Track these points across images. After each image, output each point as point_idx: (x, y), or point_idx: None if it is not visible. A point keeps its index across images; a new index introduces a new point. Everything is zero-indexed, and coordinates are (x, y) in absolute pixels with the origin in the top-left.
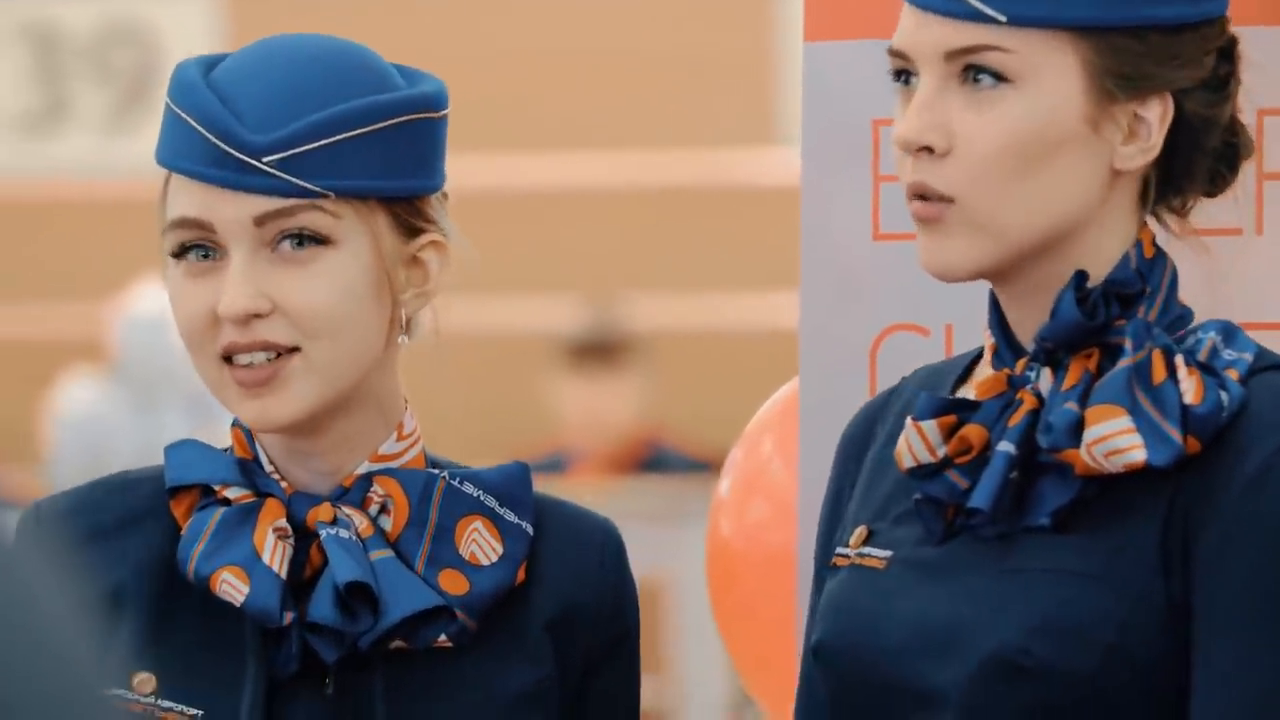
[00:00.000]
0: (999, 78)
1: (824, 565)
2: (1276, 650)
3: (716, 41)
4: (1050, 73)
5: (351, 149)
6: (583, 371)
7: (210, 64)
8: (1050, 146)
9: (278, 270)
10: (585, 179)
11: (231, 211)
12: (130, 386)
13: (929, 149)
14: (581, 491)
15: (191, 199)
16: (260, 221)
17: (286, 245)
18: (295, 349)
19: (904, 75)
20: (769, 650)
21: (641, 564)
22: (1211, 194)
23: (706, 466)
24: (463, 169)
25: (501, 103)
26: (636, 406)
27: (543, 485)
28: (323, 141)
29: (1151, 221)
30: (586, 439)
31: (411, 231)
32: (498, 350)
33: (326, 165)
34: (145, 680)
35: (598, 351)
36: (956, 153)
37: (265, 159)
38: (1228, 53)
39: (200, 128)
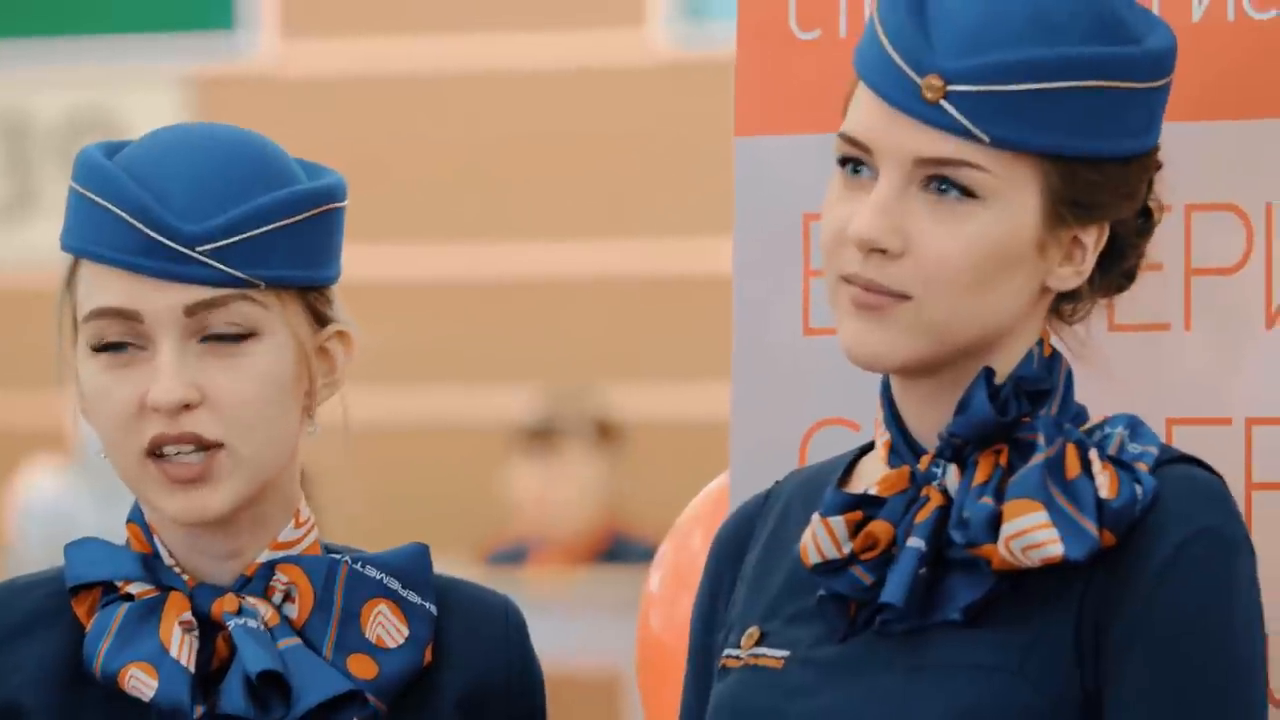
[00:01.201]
0: (966, 193)
1: (700, 668)
2: None
3: (677, 133)
4: (1014, 195)
5: (277, 239)
6: (540, 460)
7: (112, 150)
8: (1002, 264)
9: (206, 362)
10: (544, 269)
11: (161, 301)
12: (93, 476)
13: (882, 250)
14: (542, 582)
15: (115, 289)
16: (191, 311)
17: (214, 337)
18: (219, 445)
19: (852, 163)
20: None
21: (601, 654)
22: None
23: None
24: (423, 259)
25: (462, 193)
26: (596, 496)
27: (503, 575)
28: (254, 231)
29: (1054, 321)
30: (546, 529)
31: (321, 321)
32: (457, 440)
33: (256, 255)
34: None
35: (555, 440)
36: (912, 256)
37: (199, 248)
38: (1151, 182)
39: (127, 216)
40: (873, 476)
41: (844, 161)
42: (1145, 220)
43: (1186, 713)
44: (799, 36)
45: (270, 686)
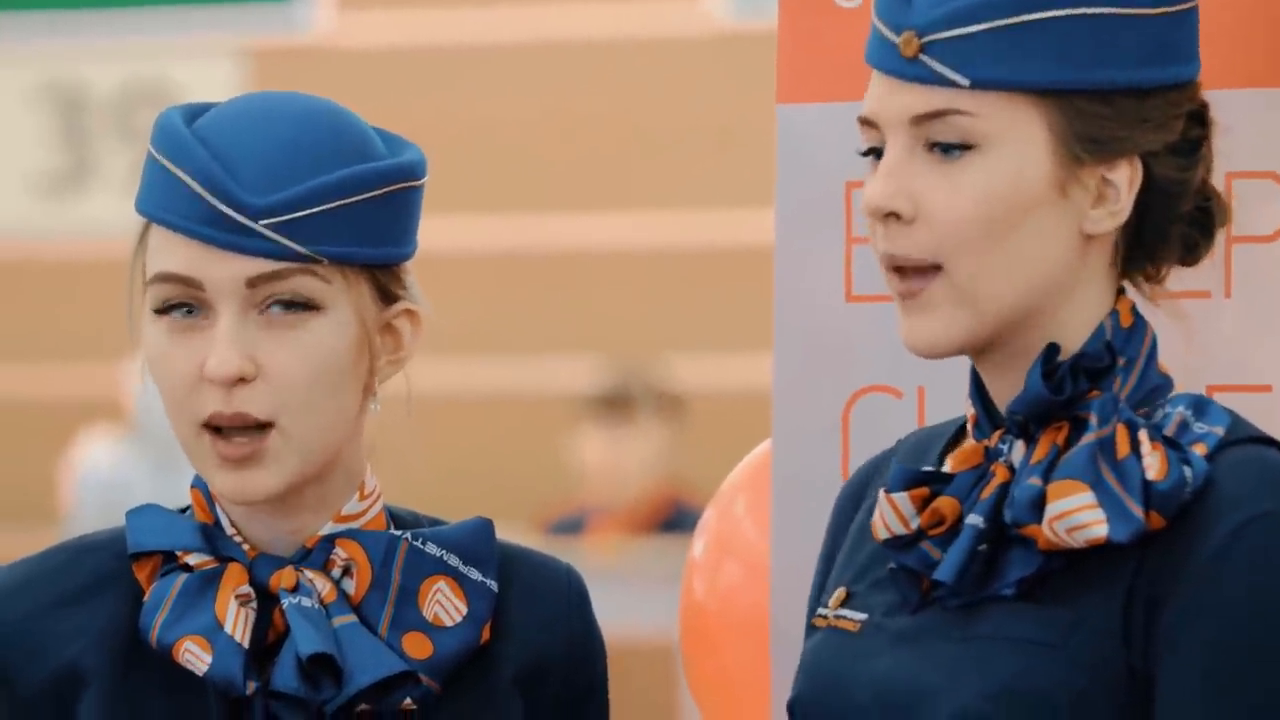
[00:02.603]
0: (965, 147)
1: (810, 624)
2: None
3: (729, 106)
4: (1014, 137)
5: (345, 215)
6: (605, 429)
7: (193, 114)
8: (1017, 211)
9: (265, 334)
10: (610, 240)
11: (223, 271)
12: (149, 446)
13: (896, 215)
14: (601, 551)
15: (180, 255)
16: (252, 284)
17: (275, 309)
18: (270, 424)
19: (875, 152)
20: (743, 713)
21: (658, 623)
22: (1187, 262)
23: None
24: (484, 230)
25: (528, 165)
26: (658, 465)
27: (562, 545)
28: (321, 207)
29: (1130, 289)
30: (607, 498)
31: (388, 299)
32: (522, 411)
33: (321, 230)
34: None
35: (620, 409)
36: (923, 219)
37: (262, 221)
38: (1199, 117)
39: (196, 185)
40: (959, 450)
41: (867, 152)
42: (1188, 156)
43: (1241, 698)
44: (840, 4)
45: (323, 665)
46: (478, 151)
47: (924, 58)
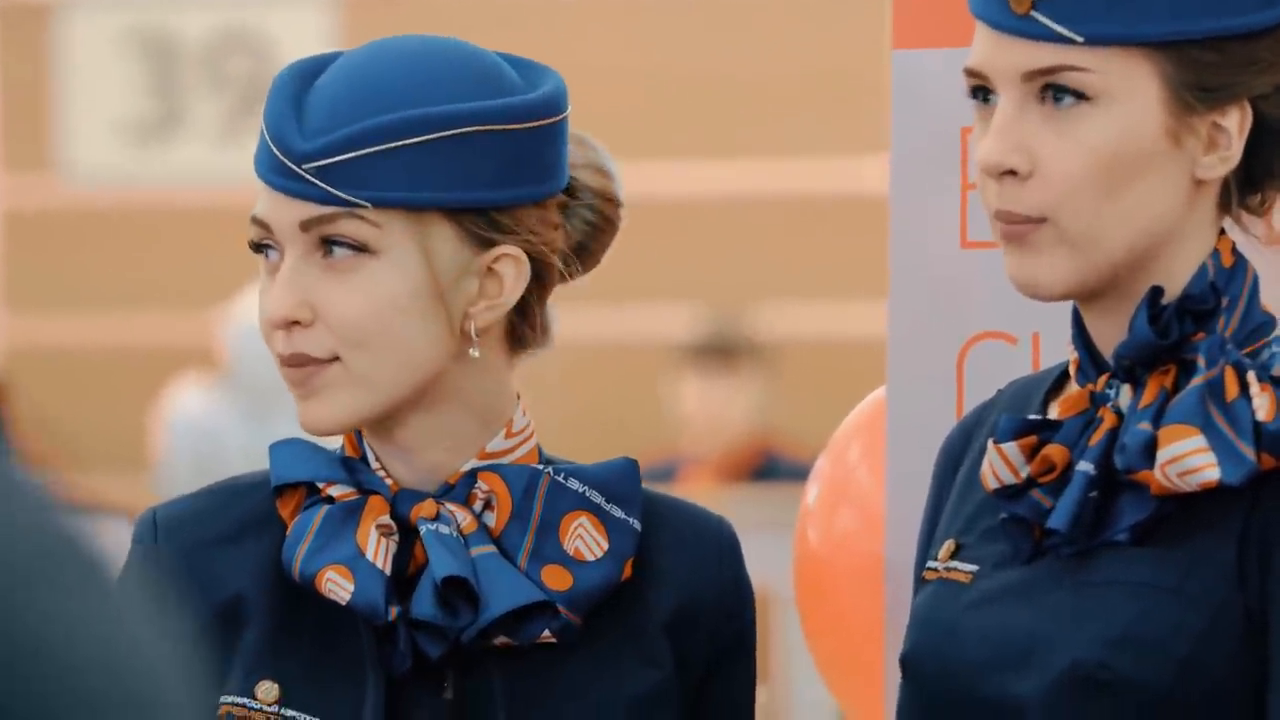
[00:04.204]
0: (1079, 96)
1: (920, 577)
2: None
3: (831, 54)
4: (1129, 89)
5: (400, 159)
6: (701, 376)
7: (324, 63)
8: (1133, 163)
9: (323, 277)
10: (706, 188)
11: (283, 214)
12: (241, 394)
13: (1012, 172)
14: (693, 499)
15: (261, 199)
16: (305, 227)
17: (339, 251)
18: (335, 359)
19: (982, 93)
20: (858, 661)
21: (752, 572)
22: None
23: None
24: None
25: (621, 114)
26: (752, 414)
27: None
28: (363, 151)
29: (1230, 228)
30: (702, 446)
31: (485, 243)
32: (619, 358)
33: (369, 175)
34: (269, 689)
35: (718, 357)
36: (1040, 174)
37: (305, 166)
38: None
39: (265, 131)
40: (1064, 396)
41: (974, 93)
42: None
43: None
44: None
45: (460, 593)
46: (575, 100)
47: (1036, 14)
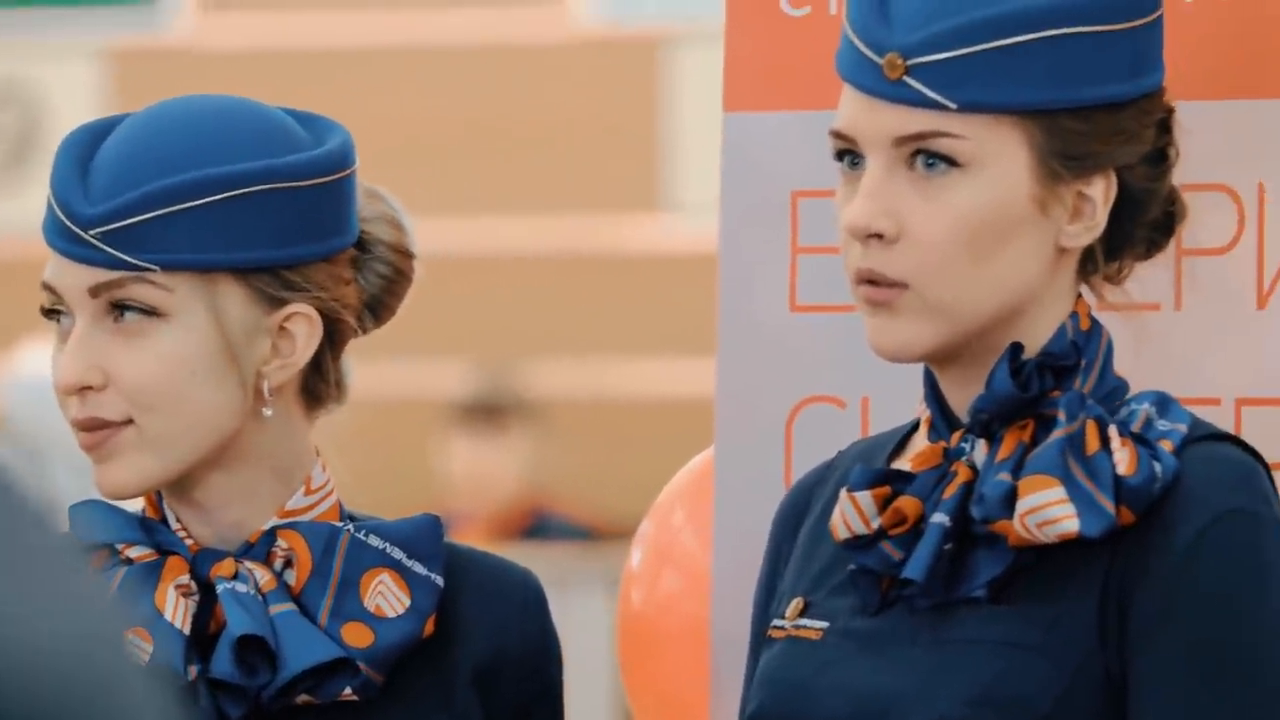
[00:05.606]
0: (950, 162)
1: (760, 638)
2: None
3: (606, 109)
4: (999, 156)
5: (187, 221)
6: (471, 434)
7: (114, 123)
8: (1000, 230)
9: (114, 341)
10: (477, 244)
11: (72, 280)
12: (18, 450)
13: (879, 235)
14: None
15: (51, 265)
16: (95, 292)
17: (129, 315)
18: (129, 422)
19: (848, 156)
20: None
21: None
22: (1144, 259)
23: (588, 535)
24: None
25: (393, 168)
26: (523, 472)
27: None
28: (148, 215)
29: (1085, 292)
30: (472, 503)
31: (275, 302)
32: (387, 413)
33: (155, 238)
34: None
35: (486, 414)
36: (907, 239)
37: (91, 232)
38: (1166, 124)
39: (51, 196)
40: (915, 451)
41: (839, 156)
42: (1158, 164)
43: (1214, 695)
44: (789, 13)
45: (258, 652)
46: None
47: (909, 79)
